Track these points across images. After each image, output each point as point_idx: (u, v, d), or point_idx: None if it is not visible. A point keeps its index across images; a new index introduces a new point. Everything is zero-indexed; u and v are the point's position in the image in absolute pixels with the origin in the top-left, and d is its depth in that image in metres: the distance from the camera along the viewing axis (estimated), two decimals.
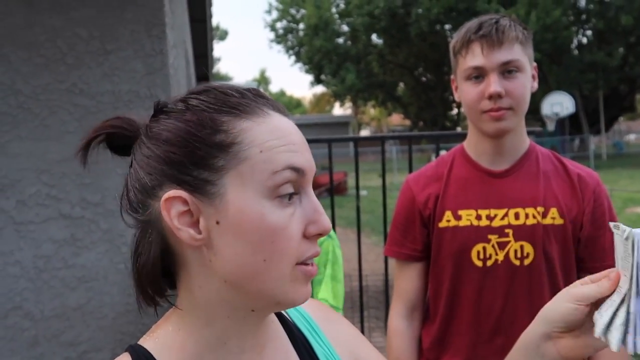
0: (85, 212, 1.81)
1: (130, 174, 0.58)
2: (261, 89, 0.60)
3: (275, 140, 0.54)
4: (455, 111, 27.93)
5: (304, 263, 0.56)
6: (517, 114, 1.17)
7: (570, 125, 20.84)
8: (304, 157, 0.56)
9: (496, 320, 1.21)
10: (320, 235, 0.56)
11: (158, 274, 0.56)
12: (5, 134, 1.76)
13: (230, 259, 0.54)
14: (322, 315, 0.72)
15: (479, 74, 1.17)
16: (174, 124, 0.55)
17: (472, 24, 1.19)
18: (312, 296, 1.89)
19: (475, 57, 1.16)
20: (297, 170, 0.54)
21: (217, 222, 0.53)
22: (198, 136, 0.53)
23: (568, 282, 1.06)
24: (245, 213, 0.53)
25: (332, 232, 1.66)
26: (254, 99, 0.56)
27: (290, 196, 0.54)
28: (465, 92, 1.20)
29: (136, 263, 0.57)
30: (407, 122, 34.87)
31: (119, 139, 0.59)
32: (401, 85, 29.16)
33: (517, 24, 1.18)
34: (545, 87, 19.75)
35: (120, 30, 1.80)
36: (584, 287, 0.61)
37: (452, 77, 1.29)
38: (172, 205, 0.54)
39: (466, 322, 1.23)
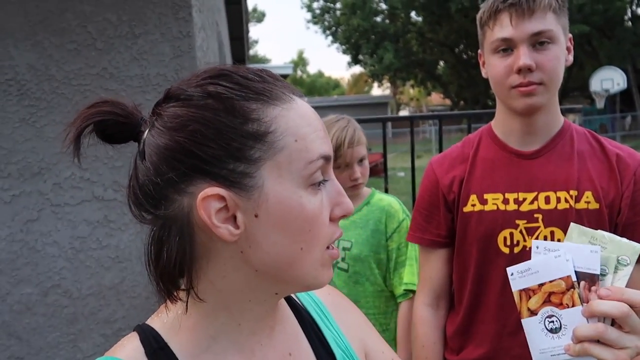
0: (117, 194, 1.85)
1: (142, 166, 0.53)
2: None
3: (306, 128, 0.53)
4: None
5: (329, 247, 0.56)
6: (548, 89, 1.08)
7: (621, 101, 19.75)
8: (328, 143, 0.55)
9: None
10: (344, 216, 0.56)
11: (179, 272, 0.54)
12: (41, 118, 1.81)
13: (267, 250, 0.53)
14: (332, 300, 0.72)
15: (507, 46, 1.09)
16: (201, 114, 0.50)
17: None
18: (392, 279, 1.95)
19: (503, 29, 1.08)
20: (328, 158, 0.54)
21: (256, 216, 0.52)
22: (231, 126, 0.50)
23: None
24: (285, 205, 0.52)
25: (407, 210, 1.65)
26: (273, 82, 0.54)
27: (320, 183, 0.54)
28: (492, 66, 1.13)
29: (157, 261, 0.54)
30: (448, 102, 34.04)
31: (111, 127, 0.54)
32: (441, 63, 28.39)
33: None
34: (595, 62, 18.79)
35: (148, 14, 1.81)
36: None
37: (479, 51, 1.22)
38: (209, 204, 0.50)
39: (492, 311, 1.18)
